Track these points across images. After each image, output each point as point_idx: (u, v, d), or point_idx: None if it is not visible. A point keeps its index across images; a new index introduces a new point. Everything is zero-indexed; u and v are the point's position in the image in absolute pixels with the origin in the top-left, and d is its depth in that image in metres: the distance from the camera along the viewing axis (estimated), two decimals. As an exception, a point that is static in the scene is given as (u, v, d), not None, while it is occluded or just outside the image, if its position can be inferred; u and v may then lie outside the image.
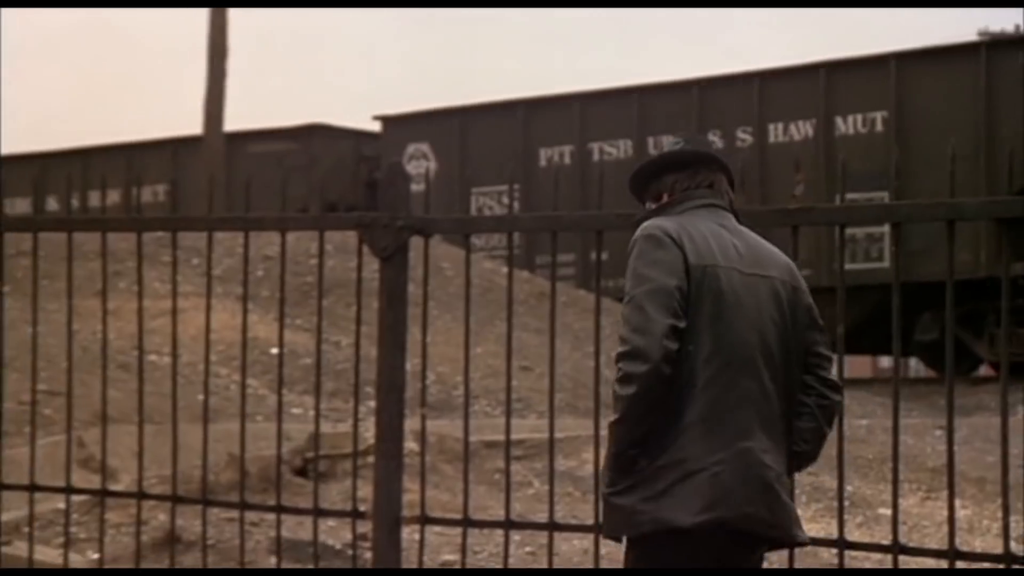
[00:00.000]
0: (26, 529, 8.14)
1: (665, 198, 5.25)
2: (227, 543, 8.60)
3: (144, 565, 7.57)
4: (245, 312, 7.80)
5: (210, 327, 7.58)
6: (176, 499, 7.44)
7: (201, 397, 8.13)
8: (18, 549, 8.51)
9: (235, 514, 7.82)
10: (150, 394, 7.61)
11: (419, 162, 24.04)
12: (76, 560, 8.09)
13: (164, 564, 7.98)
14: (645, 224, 5.09)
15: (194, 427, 7.55)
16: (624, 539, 4.97)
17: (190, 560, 8.08)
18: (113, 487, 8.01)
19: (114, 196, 23.02)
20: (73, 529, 7.98)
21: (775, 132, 22.35)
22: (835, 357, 5.49)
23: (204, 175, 21.38)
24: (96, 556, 8.65)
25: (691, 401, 4.92)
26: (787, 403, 5.14)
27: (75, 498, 7.98)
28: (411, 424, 7.12)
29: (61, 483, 7.69)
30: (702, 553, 4.93)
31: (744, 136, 22.46)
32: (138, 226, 7.84)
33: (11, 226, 8.28)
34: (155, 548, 8.33)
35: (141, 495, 7.55)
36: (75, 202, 21.98)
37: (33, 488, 7.53)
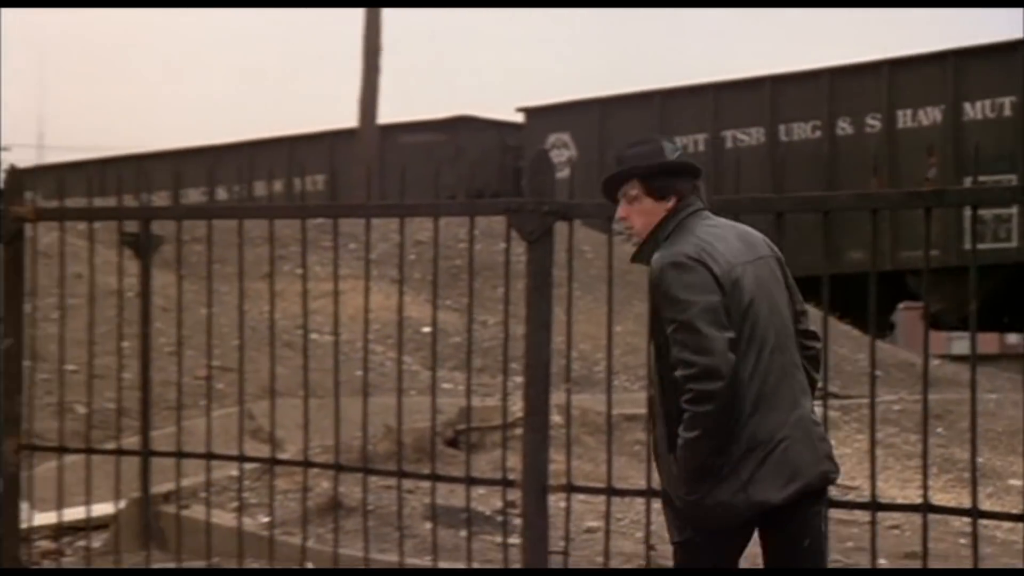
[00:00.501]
0: (203, 494, 8.34)
1: (672, 201, 5.27)
2: (385, 509, 8.72)
3: (309, 528, 7.69)
4: (401, 293, 7.93)
5: (368, 308, 7.70)
6: (339, 467, 7.52)
7: (359, 373, 8.24)
8: (196, 512, 8.70)
9: (393, 482, 7.92)
10: (313, 370, 7.70)
11: (560, 151, 24.08)
12: (248, 523, 8.25)
13: (328, 528, 8.12)
14: (663, 255, 5.14)
15: (354, 401, 7.62)
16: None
17: (351, 524, 8.21)
18: (281, 456, 8.14)
19: (277, 186, 23.34)
20: (245, 494, 8.14)
21: (904, 118, 22.16)
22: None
23: (360, 165, 21.63)
24: (266, 519, 8.83)
25: (745, 393, 5.07)
26: (796, 360, 5.35)
27: (247, 466, 8.12)
28: (556, 398, 7.18)
29: (234, 452, 7.83)
30: (790, 519, 5.13)
31: (873, 122, 22.29)
32: (302, 213, 7.97)
33: (189, 214, 8.43)
34: (319, 513, 8.47)
35: (307, 463, 7.67)
36: (241, 191, 22.33)
37: (209, 456, 7.66)
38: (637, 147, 5.44)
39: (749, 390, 5.14)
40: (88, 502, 7.90)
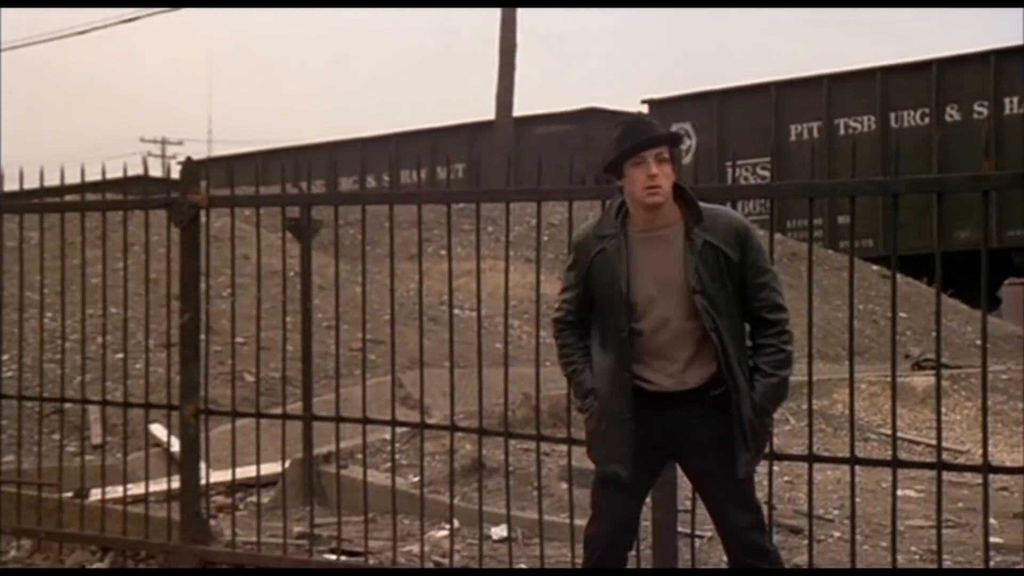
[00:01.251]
0: (359, 455, 8.49)
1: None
2: (524, 470, 8.83)
3: (455, 487, 7.78)
4: (538, 271, 7.98)
5: (507, 285, 7.77)
6: (482, 432, 7.58)
7: (499, 345, 8.35)
8: (354, 472, 8.86)
9: (531, 445, 7.98)
10: (457, 342, 7.77)
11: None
12: (400, 482, 8.37)
13: (472, 486, 8.22)
14: (732, 214, 5.69)
15: (494, 371, 7.69)
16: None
17: (493, 483, 8.32)
18: (429, 421, 8.23)
19: (422, 174, 23.62)
20: (397, 456, 8.27)
21: (1010, 105, 22.04)
22: None
23: (497, 154, 21.78)
24: (415, 479, 8.98)
25: None
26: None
27: (398, 430, 8.23)
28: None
29: (387, 417, 7.92)
30: None
31: (980, 109, 22.16)
32: (447, 199, 8.04)
33: (344, 200, 8.56)
34: (464, 473, 8.58)
35: (453, 428, 7.75)
36: (390, 179, 22.63)
37: (365, 421, 7.75)
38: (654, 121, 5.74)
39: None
40: (258, 462, 8.04)
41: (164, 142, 55.75)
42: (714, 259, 5.47)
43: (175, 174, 9.11)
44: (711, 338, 5.42)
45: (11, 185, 9.15)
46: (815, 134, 23.38)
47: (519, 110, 26.13)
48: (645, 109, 26.16)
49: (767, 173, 22.60)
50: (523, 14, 26.14)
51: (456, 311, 8.58)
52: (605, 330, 5.57)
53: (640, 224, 5.55)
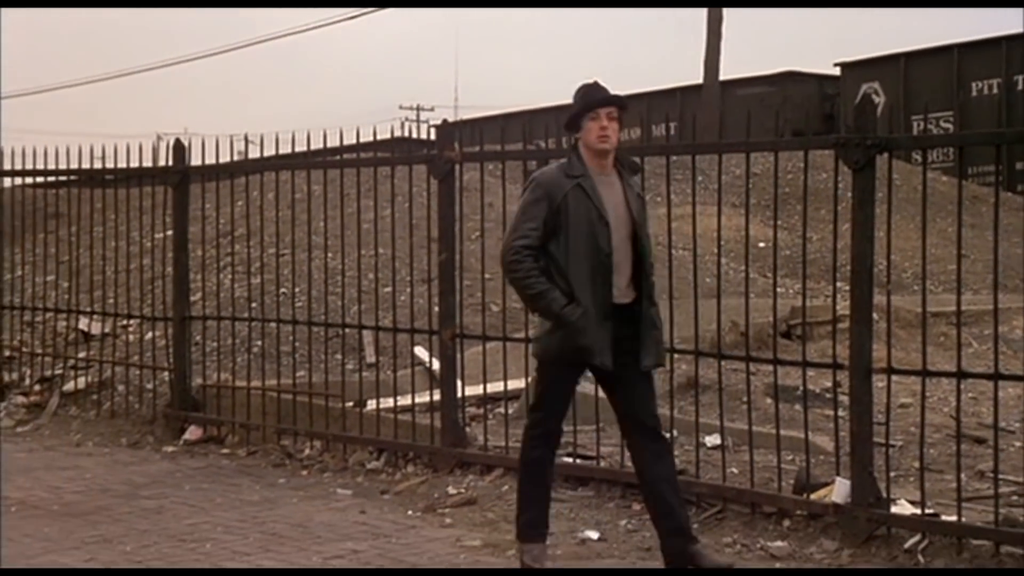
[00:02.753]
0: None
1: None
2: (733, 387, 8.79)
3: (674, 402, 7.81)
4: (747, 215, 7.99)
5: (720, 227, 7.76)
6: (697, 353, 7.63)
7: (709, 280, 8.35)
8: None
9: (740, 365, 8.00)
10: (676, 278, 7.84)
11: (871, 98, 23.71)
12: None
13: (689, 401, 8.24)
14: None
15: (706, 302, 7.66)
16: None
17: (706, 399, 8.29)
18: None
19: (635, 133, 23.56)
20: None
21: None
22: None
23: (704, 115, 21.58)
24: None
25: None
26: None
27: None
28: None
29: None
30: None
31: None
32: (667, 151, 8.04)
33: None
34: (680, 390, 8.59)
35: (672, 350, 7.74)
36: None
37: (596, 344, 7.86)
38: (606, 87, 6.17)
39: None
40: (504, 378, 8.17)
41: (419, 109, 56.48)
42: (639, 203, 6.13)
43: (428, 135, 9.28)
44: (643, 263, 6.05)
45: (289, 148, 9.46)
46: (994, 90, 22.76)
47: (727, 74, 25.95)
48: (838, 72, 25.80)
49: (949, 126, 22.00)
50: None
51: (672, 250, 8.60)
52: (579, 251, 5.96)
53: (595, 169, 6.05)
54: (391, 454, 8.53)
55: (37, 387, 11.02)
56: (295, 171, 9.50)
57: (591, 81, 6.21)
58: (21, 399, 10.92)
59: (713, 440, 7.93)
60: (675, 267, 8.02)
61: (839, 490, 6.59)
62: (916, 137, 7.58)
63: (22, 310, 11.76)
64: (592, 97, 6.06)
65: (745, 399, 7.68)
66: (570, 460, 7.81)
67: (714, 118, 20.38)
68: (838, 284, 7.35)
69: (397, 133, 20.29)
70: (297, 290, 10.47)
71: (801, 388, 7.33)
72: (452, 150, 8.35)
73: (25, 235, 12.42)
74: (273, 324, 9.77)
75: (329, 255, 10.19)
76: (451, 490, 7.75)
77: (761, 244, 13.96)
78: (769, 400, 8.52)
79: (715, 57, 24.80)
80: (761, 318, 9.22)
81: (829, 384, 8.35)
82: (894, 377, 6.97)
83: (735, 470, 7.40)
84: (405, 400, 8.96)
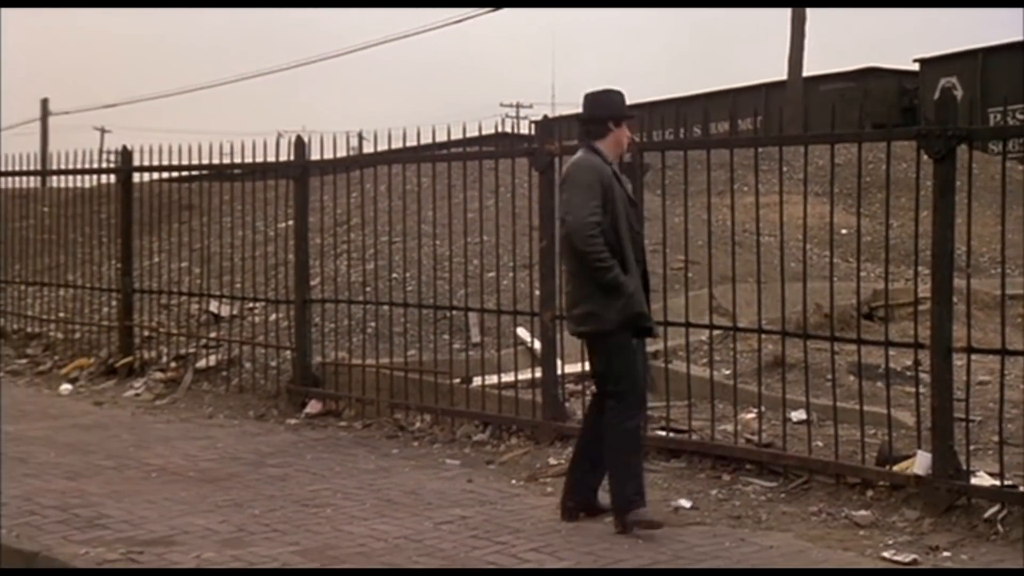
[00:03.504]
0: (682, 353, 8.55)
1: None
2: (817, 365, 8.71)
3: (763, 379, 7.75)
4: (832, 203, 7.88)
5: (806, 214, 7.69)
6: (784, 333, 7.56)
7: (793, 264, 8.27)
8: (678, 366, 8.87)
9: (824, 345, 7.92)
10: (763, 263, 7.77)
11: (951, 92, 23.29)
12: (716, 375, 8.35)
13: (775, 378, 8.17)
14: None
15: (792, 285, 7.58)
16: None
17: (792, 376, 8.20)
18: (740, 325, 8.23)
19: (723, 127, 23.31)
20: (712, 353, 8.27)
21: None
22: None
23: (789, 109, 21.32)
24: (727, 372, 9.00)
25: None
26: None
27: (714, 332, 8.28)
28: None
29: (705, 322, 7.99)
30: None
31: None
32: (754, 143, 8.01)
33: (668, 146, 8.50)
34: (767, 368, 8.52)
35: (760, 331, 7.75)
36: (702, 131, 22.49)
37: (687, 325, 7.82)
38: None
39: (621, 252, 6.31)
40: (602, 357, 8.17)
41: (518, 106, 56.41)
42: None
43: (527, 130, 9.28)
44: (639, 243, 6.46)
45: (400, 143, 9.52)
46: (1069, 81, 22.27)
47: (809, 70, 25.62)
48: (917, 67, 25.35)
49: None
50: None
51: (759, 237, 8.52)
52: (622, 229, 6.26)
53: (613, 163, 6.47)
54: (495, 427, 8.57)
55: (173, 364, 11.20)
56: (406, 165, 9.57)
57: (616, 90, 6.58)
58: (159, 375, 11.10)
59: (798, 415, 7.86)
60: (762, 252, 7.94)
61: (920, 462, 6.51)
62: (996, 128, 7.44)
63: (159, 294, 11.97)
64: (624, 109, 6.55)
65: (829, 377, 7.61)
66: (663, 433, 7.79)
67: (798, 112, 20.18)
68: (919, 268, 7.25)
69: (498, 129, 20.31)
70: (408, 275, 10.54)
71: (883, 366, 7.26)
72: (552, 144, 8.34)
73: (161, 225, 12.65)
74: (386, 307, 9.87)
75: (437, 243, 10.23)
76: (551, 461, 7.76)
77: (843, 231, 13.79)
78: (852, 377, 8.43)
79: (798, 55, 24.54)
80: (844, 301, 9.11)
81: (910, 363, 8.25)
82: (973, 356, 6.86)
83: (820, 443, 7.33)
84: (508, 377, 9.02)
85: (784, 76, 24.99)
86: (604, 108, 6.49)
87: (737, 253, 8.57)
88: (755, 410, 7.88)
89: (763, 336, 7.91)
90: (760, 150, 8.48)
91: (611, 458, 6.30)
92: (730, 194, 7.92)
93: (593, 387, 6.80)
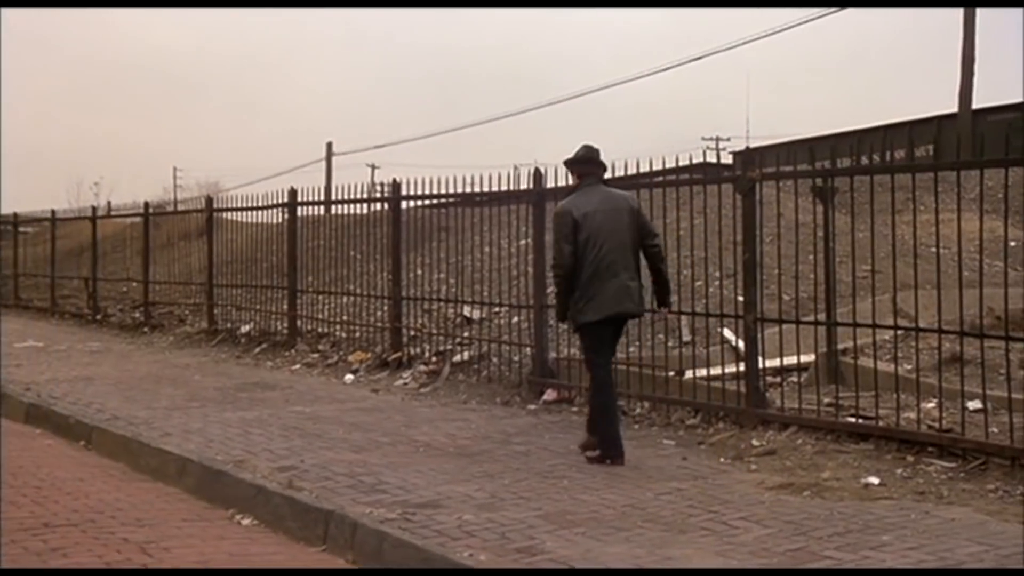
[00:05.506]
0: (868, 350, 8.32)
1: (577, 179, 7.35)
2: (991, 361, 8.19)
3: (942, 373, 7.43)
4: (1006, 219, 7.55)
5: (982, 229, 7.39)
6: (962, 333, 7.30)
7: (967, 273, 7.93)
8: (865, 362, 8.58)
9: (997, 343, 7.58)
10: (935, 271, 7.50)
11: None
12: (900, 370, 8.07)
13: (953, 373, 7.85)
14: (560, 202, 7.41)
15: (967, 291, 7.32)
16: None
17: (968, 371, 7.86)
18: (921, 325, 7.96)
19: (900, 154, 22.53)
20: (896, 350, 8.00)
21: None
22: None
23: (957, 140, 20.44)
24: (909, 367, 8.66)
25: (583, 270, 7.14)
26: (636, 258, 7.19)
27: (898, 332, 8.02)
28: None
29: (889, 323, 7.76)
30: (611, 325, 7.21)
31: None
32: (935, 168, 7.67)
33: (855, 171, 8.31)
34: (945, 363, 8.11)
35: (940, 331, 7.48)
36: (878, 159, 21.74)
37: (874, 326, 7.58)
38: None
39: (593, 267, 7.03)
40: (797, 353, 8.05)
41: (717, 139, 55.74)
42: None
43: (726, 160, 9.17)
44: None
45: (621, 171, 9.52)
46: None
47: (978, 103, 24.49)
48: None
49: None
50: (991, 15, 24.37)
51: (934, 249, 8.23)
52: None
53: None
54: (705, 413, 8.48)
55: (434, 359, 11.42)
56: (626, 191, 9.56)
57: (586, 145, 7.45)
58: (423, 367, 11.33)
59: (975, 404, 7.54)
60: (939, 263, 7.67)
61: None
62: None
63: (422, 300, 12.26)
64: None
65: (1002, 371, 7.30)
66: (853, 420, 7.59)
67: (968, 141, 19.31)
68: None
69: (699, 159, 20.11)
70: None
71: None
72: (753, 171, 8.23)
73: (422, 243, 12.98)
74: (610, 311, 9.85)
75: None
76: (755, 442, 7.64)
77: (1013, 243, 13.14)
78: (1022, 372, 8.05)
79: (968, 89, 23.49)
80: (1015, 305, 8.70)
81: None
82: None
83: (995, 430, 7.02)
84: (715, 371, 8.92)
85: (954, 109, 23.97)
86: (586, 156, 7.38)
87: (917, 264, 8.31)
88: (935, 400, 7.61)
89: (942, 335, 7.62)
90: (942, 173, 8.19)
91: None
92: (912, 211, 7.68)
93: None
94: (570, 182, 7.64)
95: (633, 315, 7.22)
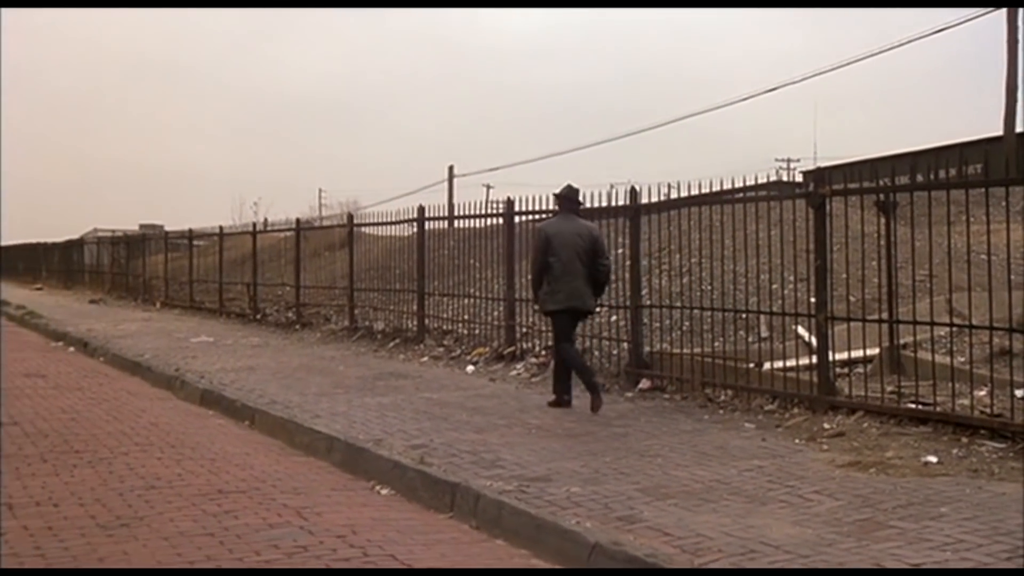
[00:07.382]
0: (926, 345, 8.12)
1: (558, 206, 8.75)
2: (1035, 356, 8.12)
3: (993, 365, 7.24)
4: (1051, 227, 7.31)
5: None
6: (1011, 329, 7.11)
7: (1014, 277, 7.70)
8: (923, 355, 8.42)
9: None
10: (986, 275, 7.29)
11: None
12: (956, 361, 7.86)
13: (1003, 365, 7.65)
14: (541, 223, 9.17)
15: (1016, 293, 7.17)
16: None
17: (1017, 363, 7.67)
18: (973, 323, 7.75)
19: (951, 171, 21.78)
20: (950, 344, 7.82)
21: None
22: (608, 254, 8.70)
23: (1005, 160, 19.71)
24: (963, 359, 8.46)
25: (556, 273, 8.51)
26: (591, 270, 8.52)
27: (953, 329, 7.81)
28: None
29: (944, 320, 7.58)
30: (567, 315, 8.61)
31: None
32: (986, 184, 7.47)
33: (916, 188, 8.03)
34: (996, 356, 7.85)
35: (991, 327, 7.25)
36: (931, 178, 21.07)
37: (932, 324, 7.44)
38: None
39: (557, 272, 8.41)
40: (863, 347, 7.92)
41: (788, 160, 54.84)
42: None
43: (797, 179, 9.05)
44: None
45: (704, 189, 9.47)
46: None
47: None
48: None
49: None
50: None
51: (984, 256, 8.02)
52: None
53: None
54: (781, 400, 8.38)
55: (543, 352, 11.41)
56: (711, 206, 9.54)
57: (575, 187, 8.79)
58: (533, 360, 11.35)
59: (1022, 392, 7.34)
60: (992, 268, 7.47)
61: None
62: None
63: (532, 302, 12.32)
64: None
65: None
66: (913, 405, 7.46)
67: (1014, 161, 18.62)
68: None
69: (772, 178, 19.76)
70: (712, 287, 10.47)
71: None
72: (824, 188, 8.13)
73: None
74: (697, 310, 9.83)
75: (734, 263, 10.12)
76: (826, 426, 7.54)
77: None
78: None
79: (1012, 113, 22.72)
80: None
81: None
82: None
83: (1043, 415, 6.82)
84: (790, 363, 8.82)
85: (999, 132, 23.18)
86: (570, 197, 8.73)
87: (969, 269, 8.11)
88: (986, 388, 7.43)
89: (993, 331, 7.42)
90: (988, 189, 7.97)
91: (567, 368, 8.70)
92: (965, 222, 7.50)
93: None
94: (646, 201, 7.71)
95: (583, 310, 8.57)
